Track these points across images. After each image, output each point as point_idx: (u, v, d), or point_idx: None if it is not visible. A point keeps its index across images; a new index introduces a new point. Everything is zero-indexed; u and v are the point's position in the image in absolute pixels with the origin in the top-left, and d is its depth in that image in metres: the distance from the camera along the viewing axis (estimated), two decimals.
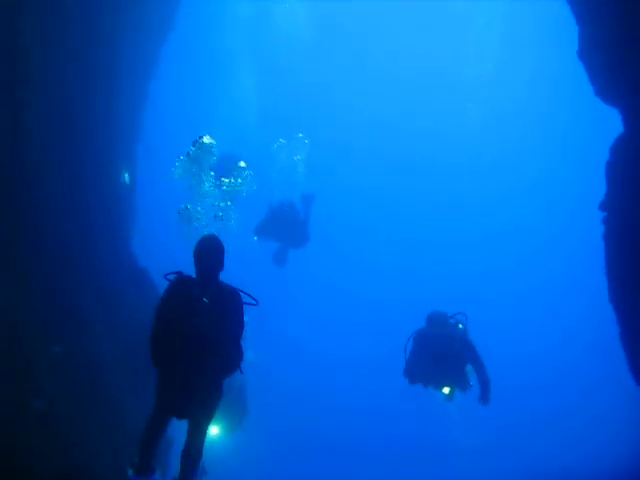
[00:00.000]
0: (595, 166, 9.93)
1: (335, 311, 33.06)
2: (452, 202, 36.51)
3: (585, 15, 8.73)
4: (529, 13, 28.88)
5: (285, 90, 30.58)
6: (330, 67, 34.11)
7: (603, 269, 9.07)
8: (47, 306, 9.30)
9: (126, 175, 13.87)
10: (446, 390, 10.03)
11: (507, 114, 33.44)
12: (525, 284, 34.81)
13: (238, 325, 6.63)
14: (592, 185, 10.93)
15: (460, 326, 10.03)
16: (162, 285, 13.58)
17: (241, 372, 6.76)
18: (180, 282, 6.63)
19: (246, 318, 6.71)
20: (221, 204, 12.63)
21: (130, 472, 6.75)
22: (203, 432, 6.60)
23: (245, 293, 6.70)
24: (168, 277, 6.71)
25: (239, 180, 12.65)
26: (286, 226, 14.18)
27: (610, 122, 9.28)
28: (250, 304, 6.70)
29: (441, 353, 9.79)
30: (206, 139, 12.18)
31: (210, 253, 6.67)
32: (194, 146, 12.13)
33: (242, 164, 12.80)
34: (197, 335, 6.34)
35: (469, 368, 10.11)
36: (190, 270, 6.79)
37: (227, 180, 12.66)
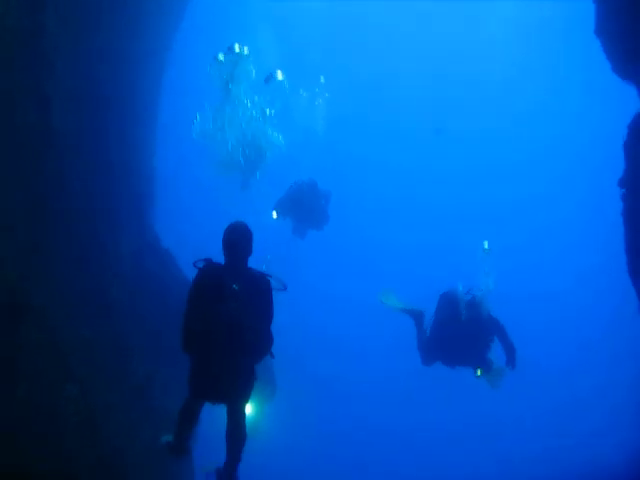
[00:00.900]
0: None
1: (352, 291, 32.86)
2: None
3: None
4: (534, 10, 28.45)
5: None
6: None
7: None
8: (74, 289, 9.41)
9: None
10: (479, 372, 10.04)
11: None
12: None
13: (268, 310, 6.74)
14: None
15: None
16: (186, 264, 13.95)
17: (272, 357, 6.88)
18: (209, 269, 6.71)
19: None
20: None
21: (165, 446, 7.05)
22: (242, 415, 6.80)
23: (274, 278, 6.79)
24: (197, 265, 6.79)
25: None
26: (306, 207, 14.20)
27: (627, 100, 9.25)
28: (279, 289, 6.80)
29: (461, 325, 9.84)
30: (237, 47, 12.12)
31: (239, 240, 6.76)
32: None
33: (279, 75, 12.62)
34: (228, 322, 6.45)
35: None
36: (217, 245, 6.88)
37: None
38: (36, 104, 8.40)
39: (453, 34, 32.64)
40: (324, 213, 14.52)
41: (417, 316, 10.93)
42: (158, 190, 15.78)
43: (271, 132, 13.36)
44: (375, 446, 25.88)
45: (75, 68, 9.62)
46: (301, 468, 23.31)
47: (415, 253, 32.70)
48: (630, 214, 8.87)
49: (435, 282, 10.81)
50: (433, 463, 23.93)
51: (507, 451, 24.05)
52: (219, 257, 6.86)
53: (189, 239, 20.01)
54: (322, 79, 16.40)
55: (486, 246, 10.14)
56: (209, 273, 6.66)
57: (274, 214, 14.42)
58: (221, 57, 12.17)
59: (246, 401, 6.84)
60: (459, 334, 9.77)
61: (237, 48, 12.12)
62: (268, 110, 13.18)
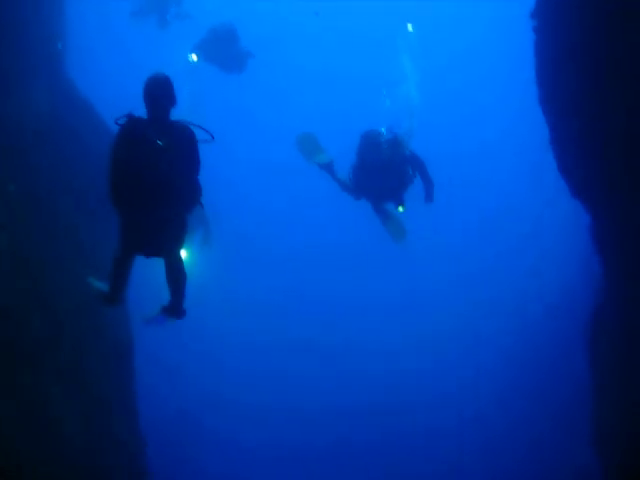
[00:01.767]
0: None
1: None
2: None
3: None
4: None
5: None
6: None
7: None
8: None
9: None
10: (401, 208, 10.33)
11: None
12: None
13: (194, 162, 6.69)
14: None
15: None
16: (107, 114, 13.62)
17: (202, 207, 6.93)
18: (131, 125, 6.52)
19: None
20: None
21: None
22: (179, 259, 6.95)
23: (200, 127, 6.67)
24: (119, 122, 6.57)
25: None
26: (224, 49, 14.00)
27: None
28: (206, 141, 6.67)
29: (381, 162, 9.91)
30: None
31: (159, 93, 6.54)
32: None
33: None
34: (155, 178, 6.42)
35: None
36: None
37: None
38: None
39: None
40: (243, 55, 14.34)
41: (328, 166, 11.05)
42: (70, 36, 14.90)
43: None
44: None
45: None
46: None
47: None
48: (542, 45, 9.10)
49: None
50: None
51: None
52: (141, 110, 6.64)
53: (107, 88, 19.33)
54: None
55: (410, 28, 10.19)
56: (132, 129, 6.50)
57: (193, 56, 14.15)
58: None
59: (180, 248, 6.97)
60: (381, 172, 9.93)
61: None
62: None
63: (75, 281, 9.62)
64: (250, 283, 26.98)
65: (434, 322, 25.21)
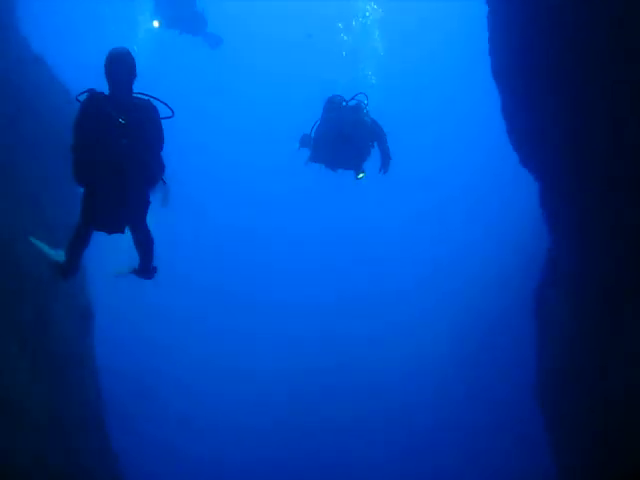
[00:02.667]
0: None
1: None
2: None
3: None
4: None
5: None
6: None
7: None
8: None
9: None
10: (361, 175, 10.36)
11: None
12: None
13: (157, 139, 6.73)
14: None
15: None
16: (61, 72, 13.39)
17: (164, 183, 6.96)
18: (93, 101, 6.50)
19: None
20: None
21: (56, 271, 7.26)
22: (145, 229, 7.04)
23: (161, 102, 6.69)
24: (80, 98, 6.55)
25: None
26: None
27: None
28: (166, 117, 6.71)
29: (344, 128, 9.86)
30: None
31: (121, 68, 6.50)
32: None
33: None
34: (116, 155, 6.45)
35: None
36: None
37: None
38: None
39: None
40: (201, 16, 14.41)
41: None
42: None
43: None
44: None
45: None
46: None
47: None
48: (495, 15, 9.28)
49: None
50: None
51: None
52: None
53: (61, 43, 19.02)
54: None
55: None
56: (93, 106, 6.48)
57: (155, 23, 14.10)
58: None
59: (144, 219, 7.01)
60: (341, 137, 9.90)
61: None
62: None
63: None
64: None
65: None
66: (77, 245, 6.97)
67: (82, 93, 6.53)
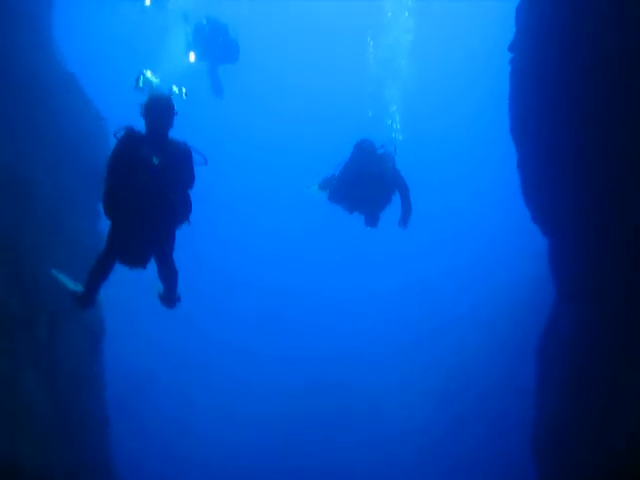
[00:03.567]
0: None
1: None
2: None
3: None
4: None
5: None
6: None
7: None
8: None
9: None
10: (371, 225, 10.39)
11: None
12: None
13: (188, 181, 6.94)
14: None
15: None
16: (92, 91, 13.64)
17: (189, 223, 7.14)
18: (129, 140, 6.69)
19: None
20: None
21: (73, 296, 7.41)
22: (170, 261, 7.22)
23: (196, 149, 6.88)
24: (117, 135, 6.74)
25: None
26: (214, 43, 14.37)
27: None
28: (200, 164, 6.91)
29: (370, 174, 9.89)
30: None
31: (161, 108, 6.75)
32: None
33: None
34: (147, 195, 6.65)
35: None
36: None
37: None
38: None
39: None
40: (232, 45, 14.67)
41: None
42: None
43: None
44: None
45: None
46: None
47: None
48: (516, 75, 9.57)
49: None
50: None
51: None
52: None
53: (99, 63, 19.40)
54: None
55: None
56: (129, 144, 6.68)
57: (192, 56, 14.34)
58: None
59: (171, 254, 7.22)
60: (366, 181, 9.93)
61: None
62: None
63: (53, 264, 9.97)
64: None
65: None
66: (97, 276, 7.13)
67: (120, 129, 6.74)
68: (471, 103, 29.12)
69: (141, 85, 7.48)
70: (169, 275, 7.32)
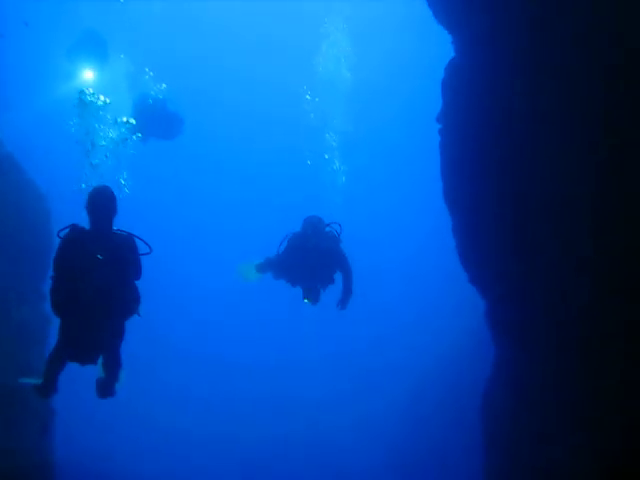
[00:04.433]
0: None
1: None
2: None
3: None
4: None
5: None
6: None
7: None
8: None
9: None
10: (307, 301, 10.47)
11: None
12: None
13: (135, 274, 7.00)
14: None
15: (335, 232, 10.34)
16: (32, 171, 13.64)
17: (139, 315, 7.17)
18: (73, 237, 6.78)
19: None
20: None
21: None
22: (116, 353, 7.26)
23: (140, 239, 6.96)
24: (60, 235, 6.84)
25: None
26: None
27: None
28: (145, 254, 6.99)
29: (313, 251, 10.09)
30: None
31: (103, 206, 6.83)
32: None
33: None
34: (94, 293, 6.70)
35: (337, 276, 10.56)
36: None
37: None
38: None
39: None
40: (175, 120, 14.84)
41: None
42: None
43: None
44: None
45: None
46: None
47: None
48: (446, 145, 10.11)
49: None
50: None
51: None
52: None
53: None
54: None
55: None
56: (73, 242, 6.77)
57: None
58: None
59: (118, 346, 7.27)
60: (309, 257, 10.14)
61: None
62: None
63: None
64: None
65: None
66: (53, 370, 7.12)
67: (64, 229, 6.83)
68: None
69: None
70: (113, 366, 7.32)
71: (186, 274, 32.01)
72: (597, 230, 6.82)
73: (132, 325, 7.25)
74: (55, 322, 7.20)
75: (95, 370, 7.60)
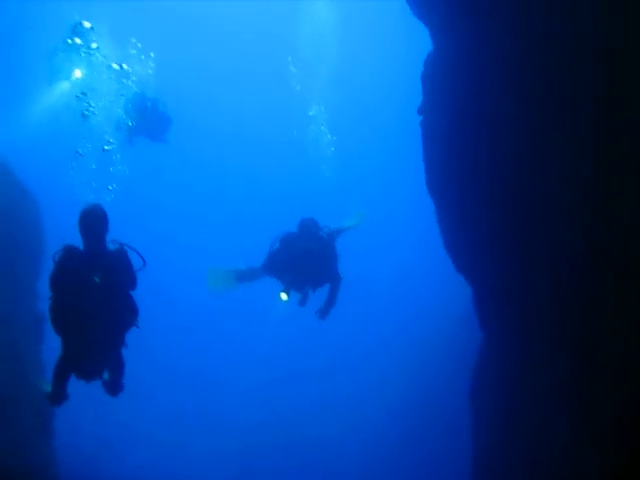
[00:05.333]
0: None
1: None
2: None
3: None
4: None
5: None
6: None
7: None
8: None
9: None
10: (284, 296, 10.40)
11: None
12: None
13: (130, 285, 7.17)
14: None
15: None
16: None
17: (137, 327, 7.37)
18: (68, 259, 6.92)
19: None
20: None
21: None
22: (118, 357, 7.49)
23: (134, 250, 7.10)
24: (55, 258, 6.97)
25: None
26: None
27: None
28: (139, 269, 7.14)
29: (304, 251, 10.16)
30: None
31: (95, 224, 6.97)
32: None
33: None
34: (92, 310, 6.90)
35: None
36: None
37: None
38: None
39: None
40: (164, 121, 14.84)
41: (253, 272, 11.05)
42: None
43: None
44: None
45: None
46: None
47: None
48: (427, 136, 10.28)
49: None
50: None
51: None
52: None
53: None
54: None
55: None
56: (68, 264, 6.90)
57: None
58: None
59: (120, 354, 7.50)
60: (299, 258, 10.18)
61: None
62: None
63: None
64: None
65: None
66: (59, 382, 7.36)
67: (58, 251, 6.97)
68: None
69: None
70: (117, 367, 7.55)
71: (170, 280, 31.62)
72: (590, 218, 6.94)
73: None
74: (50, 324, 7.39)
75: None
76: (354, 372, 25.63)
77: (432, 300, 23.82)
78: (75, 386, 7.56)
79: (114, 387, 7.76)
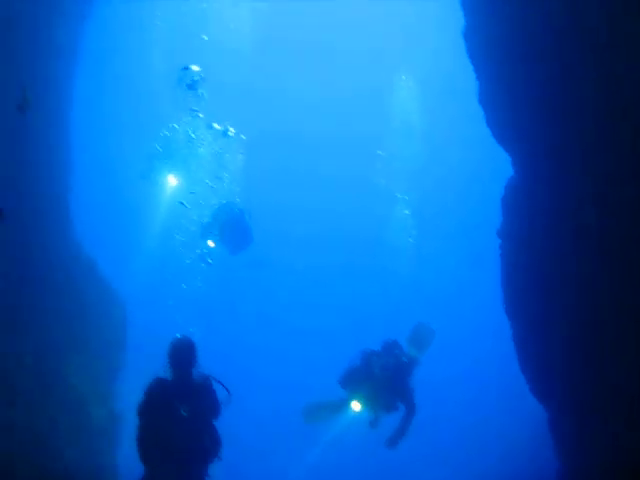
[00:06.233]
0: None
1: None
2: None
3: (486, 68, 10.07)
4: None
5: None
6: None
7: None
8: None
9: None
10: (356, 406, 10.44)
11: None
12: None
13: (213, 416, 7.41)
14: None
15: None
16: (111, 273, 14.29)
17: (220, 459, 7.50)
18: (157, 390, 7.23)
19: None
20: None
21: None
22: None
23: (219, 382, 7.37)
24: (146, 390, 7.25)
25: None
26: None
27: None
28: (224, 401, 7.35)
29: (385, 368, 10.15)
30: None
31: (185, 357, 7.32)
32: None
33: None
34: (178, 441, 7.11)
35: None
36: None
37: None
38: None
39: None
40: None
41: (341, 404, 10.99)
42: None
43: None
44: None
45: None
46: None
47: None
48: (506, 259, 10.44)
49: None
50: None
51: None
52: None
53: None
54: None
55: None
56: (157, 396, 7.21)
57: (210, 243, 14.54)
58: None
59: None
60: (379, 375, 10.20)
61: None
62: None
63: None
64: None
65: None
66: None
67: (149, 384, 7.29)
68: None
69: None
70: None
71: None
72: None
73: None
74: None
75: None
76: None
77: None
78: None
79: None
